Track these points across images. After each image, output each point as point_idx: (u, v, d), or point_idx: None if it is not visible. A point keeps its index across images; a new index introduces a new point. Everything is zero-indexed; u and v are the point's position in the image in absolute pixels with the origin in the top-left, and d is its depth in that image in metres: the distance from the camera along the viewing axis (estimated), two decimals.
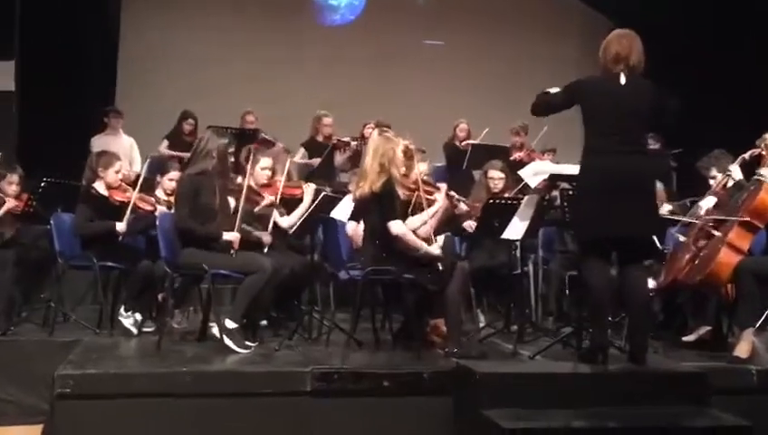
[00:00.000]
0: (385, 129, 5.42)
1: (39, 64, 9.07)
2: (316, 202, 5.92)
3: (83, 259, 5.90)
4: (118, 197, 6.05)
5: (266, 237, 5.79)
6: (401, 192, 5.34)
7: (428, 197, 5.61)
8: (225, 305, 5.96)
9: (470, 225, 6.28)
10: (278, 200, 6.01)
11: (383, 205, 5.16)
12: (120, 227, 5.95)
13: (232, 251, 5.34)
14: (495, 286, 6.31)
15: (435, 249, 5.28)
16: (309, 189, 6.08)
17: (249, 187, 5.77)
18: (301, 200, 6.08)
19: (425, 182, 5.70)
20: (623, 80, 4.64)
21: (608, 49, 4.66)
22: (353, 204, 5.46)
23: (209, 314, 5.58)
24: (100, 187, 6.09)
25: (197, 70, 10.48)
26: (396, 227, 5.15)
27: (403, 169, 5.33)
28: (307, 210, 5.95)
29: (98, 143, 8.56)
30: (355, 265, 5.48)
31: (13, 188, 6.36)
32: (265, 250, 5.69)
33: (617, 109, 4.59)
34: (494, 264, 6.21)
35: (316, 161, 8.46)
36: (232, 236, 5.37)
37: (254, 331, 5.52)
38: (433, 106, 10.44)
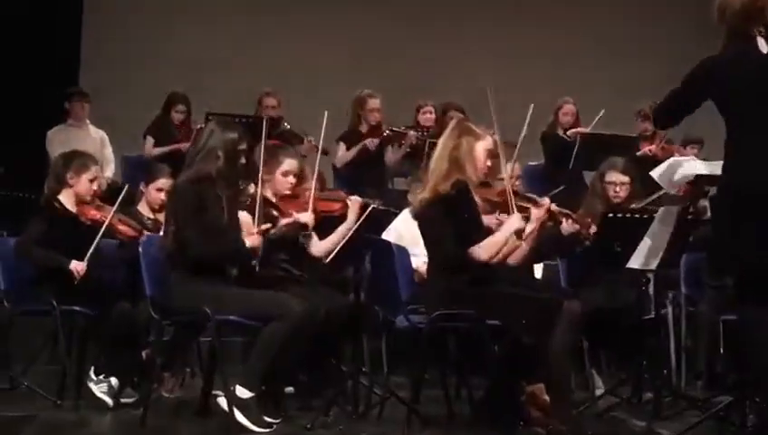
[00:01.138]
0: (462, 115, 5.46)
1: None
2: (361, 220, 5.98)
3: (38, 301, 5.98)
4: (90, 215, 6.13)
5: (305, 217, 5.86)
6: (482, 209, 5.40)
7: (523, 215, 5.60)
8: (236, 366, 5.87)
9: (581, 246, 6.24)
10: (312, 216, 6.02)
11: (453, 215, 5.21)
12: (77, 266, 5.98)
13: (253, 262, 5.47)
14: (618, 337, 6.27)
15: (517, 220, 5.30)
16: (353, 204, 6.11)
17: (266, 199, 5.83)
18: (340, 219, 6.12)
19: (518, 195, 5.71)
20: (764, 46, 4.62)
21: (730, 2, 4.62)
22: (414, 219, 5.50)
23: (213, 379, 5.63)
24: (66, 200, 6.18)
25: (191, 36, 10.64)
26: (483, 250, 5.21)
27: (482, 174, 5.39)
28: (349, 232, 6.01)
29: (57, 139, 8.75)
30: (418, 307, 5.50)
31: None
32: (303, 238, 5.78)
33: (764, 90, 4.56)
34: (616, 305, 6.19)
35: (347, 156, 8.53)
36: (256, 241, 5.43)
37: (276, 402, 5.55)
38: (521, 81, 10.52)
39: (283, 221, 5.90)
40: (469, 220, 5.26)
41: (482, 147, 5.34)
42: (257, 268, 5.49)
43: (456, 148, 5.29)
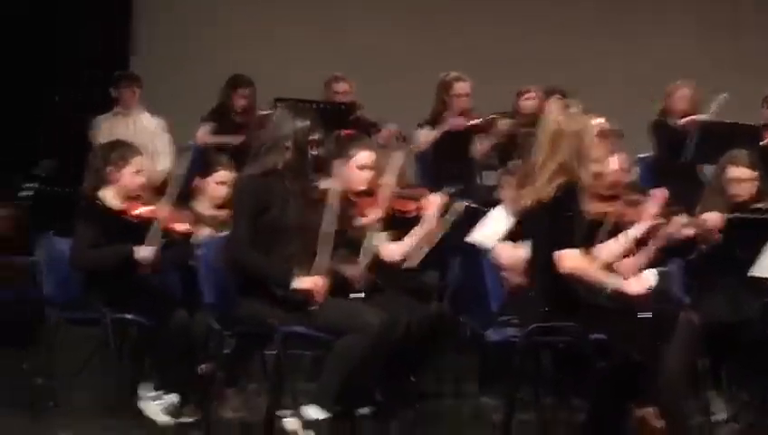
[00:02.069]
0: (565, 100, 5.40)
1: (16, 8, 9.39)
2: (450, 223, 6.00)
3: (86, 309, 6.02)
4: (137, 212, 6.12)
5: (351, 270, 5.83)
6: (591, 205, 5.31)
7: (632, 211, 5.57)
8: (306, 383, 5.96)
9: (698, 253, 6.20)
10: (383, 217, 6.03)
11: (556, 223, 5.16)
12: (143, 252, 6.01)
13: (311, 307, 5.36)
14: (742, 354, 6.20)
15: (634, 285, 5.24)
16: (429, 203, 6.08)
17: (343, 195, 5.78)
18: (417, 219, 6.11)
19: (628, 186, 5.70)
20: None
21: None
22: (510, 221, 5.50)
23: (280, 397, 5.62)
24: (109, 196, 6.17)
25: (253, 16, 10.67)
26: (568, 258, 5.14)
27: (595, 167, 5.31)
28: (426, 235, 6.00)
29: (104, 128, 8.78)
30: (511, 318, 5.49)
31: None
32: (355, 295, 5.74)
33: None
34: (739, 317, 6.10)
35: (431, 136, 8.51)
36: (310, 282, 5.36)
37: (351, 424, 5.55)
38: (626, 61, 10.43)
39: (362, 221, 5.90)
40: (565, 228, 5.16)
41: (592, 136, 5.27)
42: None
43: (568, 143, 5.19)
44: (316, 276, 5.38)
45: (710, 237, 6.06)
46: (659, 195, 5.84)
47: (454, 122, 8.59)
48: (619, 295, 5.21)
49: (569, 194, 5.17)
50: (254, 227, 5.39)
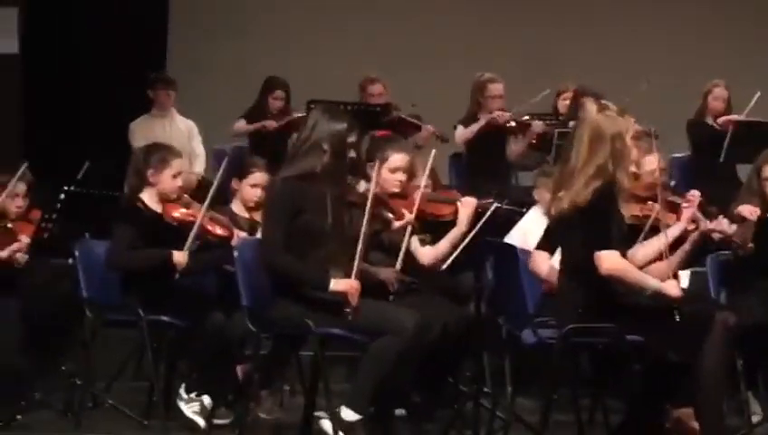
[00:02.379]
0: (604, 102, 5.38)
1: (53, 14, 9.42)
2: (479, 226, 5.94)
3: (124, 311, 6.05)
4: (176, 214, 6.14)
5: (386, 273, 5.84)
6: (627, 207, 5.33)
7: (669, 214, 5.57)
8: (342, 385, 6.00)
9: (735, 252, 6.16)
10: (417, 220, 6.01)
11: (593, 225, 5.15)
12: (180, 257, 6.04)
13: (347, 310, 5.37)
14: None
15: (673, 287, 5.24)
16: (464, 206, 6.05)
17: (377, 197, 5.78)
18: (452, 223, 6.09)
19: (664, 187, 5.70)
20: None
21: None
22: (545, 223, 5.47)
23: (315, 399, 5.64)
24: (149, 198, 6.18)
25: (289, 18, 10.69)
26: (608, 259, 5.12)
27: (633, 168, 5.31)
28: (462, 239, 6.00)
29: (140, 130, 8.86)
30: (547, 319, 5.47)
31: (17, 204, 6.61)
32: (390, 298, 5.77)
33: None
34: None
35: (469, 132, 8.52)
36: (345, 285, 5.37)
37: (386, 426, 5.56)
38: (660, 59, 10.44)
39: (397, 224, 5.87)
40: (604, 229, 5.16)
41: (630, 138, 5.25)
42: (349, 317, 5.37)
43: (608, 146, 5.17)
44: (351, 279, 5.38)
45: (742, 236, 6.03)
46: (695, 197, 5.82)
47: (499, 118, 8.55)
48: (659, 297, 5.20)
49: (605, 197, 5.16)
50: (288, 229, 5.39)
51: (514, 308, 5.81)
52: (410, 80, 9.64)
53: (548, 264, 5.49)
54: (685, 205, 5.70)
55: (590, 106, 5.23)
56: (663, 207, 5.49)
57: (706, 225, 5.86)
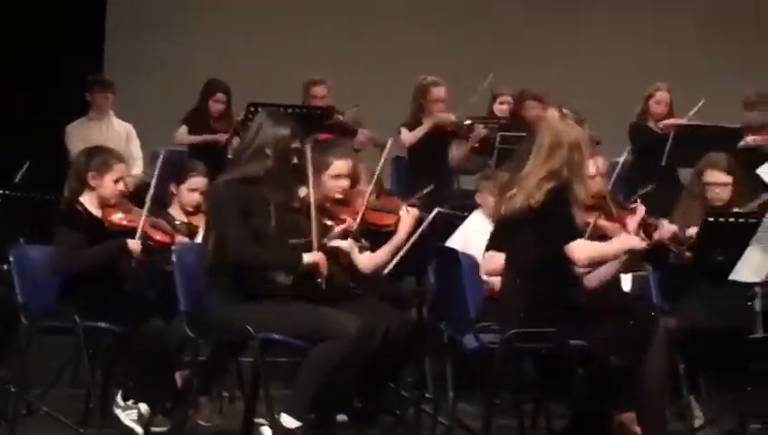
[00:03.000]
0: (565, 110, 5.45)
1: None
2: (419, 232, 5.93)
3: (60, 317, 5.97)
4: (117, 219, 6.09)
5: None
6: (581, 217, 5.37)
7: (609, 224, 5.61)
8: (282, 391, 5.90)
9: (675, 256, 6.22)
10: (358, 226, 6.00)
11: (552, 223, 5.19)
12: (135, 245, 5.98)
13: (319, 280, 5.44)
14: (721, 360, 6.20)
15: (633, 240, 5.36)
16: (406, 217, 6.02)
17: (320, 203, 5.79)
18: (393, 233, 6.06)
19: (609, 196, 5.75)
20: None
21: None
22: (487, 227, 5.54)
23: (255, 406, 5.62)
24: (89, 202, 6.12)
25: (231, 18, 10.65)
26: (581, 248, 5.18)
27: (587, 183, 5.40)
28: (402, 245, 5.98)
29: (77, 133, 8.81)
30: (490, 324, 5.49)
31: None
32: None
33: None
34: (718, 322, 6.07)
35: (417, 134, 8.52)
36: (316, 256, 5.47)
37: (328, 431, 5.53)
38: (602, 64, 10.52)
39: (337, 229, 5.89)
40: (566, 225, 5.20)
41: (588, 152, 5.32)
42: (323, 286, 5.47)
43: (566, 154, 5.22)
44: (318, 253, 5.47)
45: (683, 241, 6.08)
46: (640, 210, 5.88)
47: (444, 118, 8.57)
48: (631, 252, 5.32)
49: (560, 198, 5.20)
50: (239, 226, 5.37)
51: (456, 313, 5.83)
52: (355, 82, 9.61)
53: (500, 265, 5.49)
54: (629, 217, 5.75)
55: (552, 114, 5.26)
56: (608, 217, 5.51)
57: (660, 233, 5.94)
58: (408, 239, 5.93)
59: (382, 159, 6.29)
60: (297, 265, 5.44)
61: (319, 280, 5.44)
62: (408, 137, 8.62)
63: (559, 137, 5.26)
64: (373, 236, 6.08)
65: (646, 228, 6.01)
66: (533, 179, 5.21)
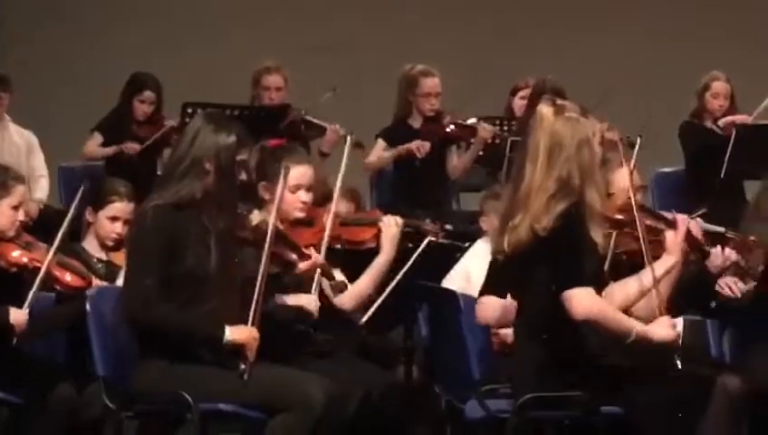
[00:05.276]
0: (560, 102, 5.38)
1: None
2: (406, 268, 5.95)
3: None
4: (15, 258, 5.99)
5: (306, 299, 5.86)
6: (599, 233, 5.24)
7: (651, 238, 5.54)
8: None
9: (735, 293, 6.15)
10: (324, 252, 5.93)
11: (559, 259, 5.10)
12: (20, 316, 5.88)
13: (242, 366, 5.26)
14: None
15: (664, 328, 5.27)
16: (386, 227, 6.08)
17: (276, 228, 5.63)
18: (374, 252, 6.05)
19: (646, 211, 5.66)
20: None
21: None
22: (493, 261, 5.35)
23: None
24: None
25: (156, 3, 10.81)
26: (582, 299, 5.08)
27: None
28: (387, 265, 6.06)
29: None
30: (499, 387, 5.48)
31: None
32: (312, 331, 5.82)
33: None
34: None
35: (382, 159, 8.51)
36: (244, 333, 5.33)
37: None
38: (641, 57, 10.67)
39: (302, 265, 5.78)
40: (575, 263, 5.14)
41: (597, 143, 5.31)
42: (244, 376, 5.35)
43: (570, 155, 5.20)
44: (249, 327, 5.35)
45: (749, 271, 6.06)
46: (684, 221, 5.74)
47: (417, 149, 8.39)
48: (645, 342, 5.22)
49: (573, 222, 5.12)
50: (163, 274, 5.28)
51: (456, 373, 5.83)
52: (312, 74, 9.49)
53: (500, 312, 5.42)
54: (670, 232, 5.65)
55: (544, 108, 5.21)
56: (644, 236, 5.46)
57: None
58: (392, 257, 6.01)
59: (345, 157, 6.36)
60: (217, 340, 5.30)
61: (242, 366, 5.24)
62: (371, 161, 8.46)
63: (557, 137, 5.17)
64: (350, 259, 6.11)
65: (699, 247, 5.90)
66: (540, 197, 5.11)
